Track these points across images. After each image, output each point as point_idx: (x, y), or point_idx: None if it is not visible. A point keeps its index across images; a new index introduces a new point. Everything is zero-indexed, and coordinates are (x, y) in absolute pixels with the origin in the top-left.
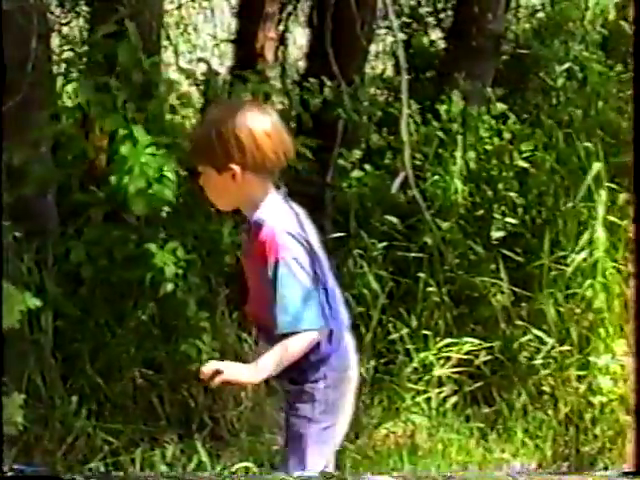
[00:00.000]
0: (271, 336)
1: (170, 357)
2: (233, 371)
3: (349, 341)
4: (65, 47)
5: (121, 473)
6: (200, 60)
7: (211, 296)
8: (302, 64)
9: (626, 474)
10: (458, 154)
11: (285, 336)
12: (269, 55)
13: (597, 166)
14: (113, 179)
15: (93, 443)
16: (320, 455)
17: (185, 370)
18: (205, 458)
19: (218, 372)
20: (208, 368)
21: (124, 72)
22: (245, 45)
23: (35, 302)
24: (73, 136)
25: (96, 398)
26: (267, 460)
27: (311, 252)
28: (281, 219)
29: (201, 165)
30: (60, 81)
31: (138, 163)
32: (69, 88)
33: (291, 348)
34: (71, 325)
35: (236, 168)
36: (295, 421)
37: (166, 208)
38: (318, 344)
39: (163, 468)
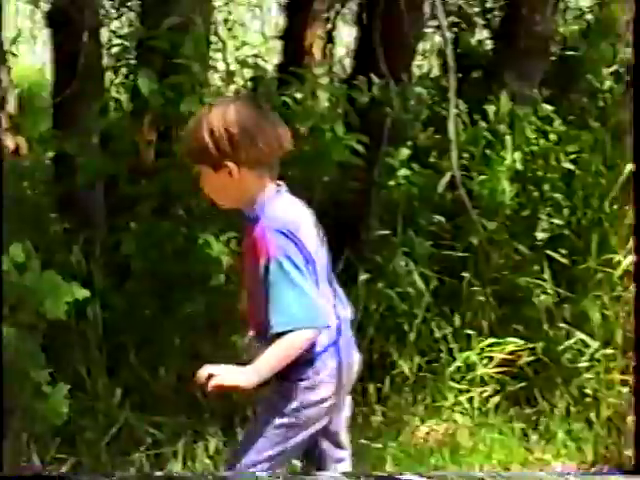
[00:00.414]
0: (266, 336)
1: (216, 350)
2: (228, 376)
3: (343, 344)
4: (115, 41)
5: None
6: (248, 57)
7: None
8: (348, 62)
9: (626, 473)
10: (505, 155)
11: (280, 336)
12: (317, 53)
13: None
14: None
15: (136, 435)
16: (267, 449)
17: (231, 363)
18: None
19: (212, 377)
20: (203, 373)
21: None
22: (293, 42)
23: (83, 293)
24: (123, 128)
25: (140, 390)
26: None
27: (305, 249)
28: (275, 215)
29: (197, 165)
30: (110, 74)
31: None
32: (118, 81)
33: (287, 348)
34: (118, 317)
35: (231, 165)
36: (261, 410)
37: None
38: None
39: (206, 461)
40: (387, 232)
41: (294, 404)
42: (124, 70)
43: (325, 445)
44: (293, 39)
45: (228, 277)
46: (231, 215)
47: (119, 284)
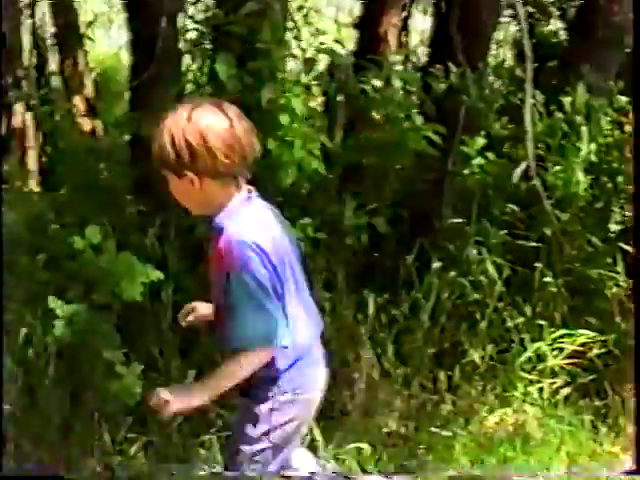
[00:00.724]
0: (228, 346)
1: None
2: (180, 402)
3: (309, 361)
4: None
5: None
6: (323, 44)
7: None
8: (422, 50)
9: (627, 473)
10: (581, 146)
11: (237, 351)
12: (392, 41)
13: None
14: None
15: (207, 416)
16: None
17: None
18: (318, 437)
19: (167, 403)
20: (157, 399)
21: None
22: (368, 30)
23: (157, 275)
24: None
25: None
26: (379, 442)
27: (270, 263)
28: (241, 227)
29: (162, 170)
30: (187, 59)
31: (298, 134)
32: (194, 66)
33: (240, 365)
34: (190, 299)
35: (191, 174)
36: (232, 440)
37: (306, 185)
38: (272, 362)
39: None
40: (461, 221)
41: (263, 428)
42: (201, 55)
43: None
44: (368, 27)
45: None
46: (307, 201)
47: (192, 267)
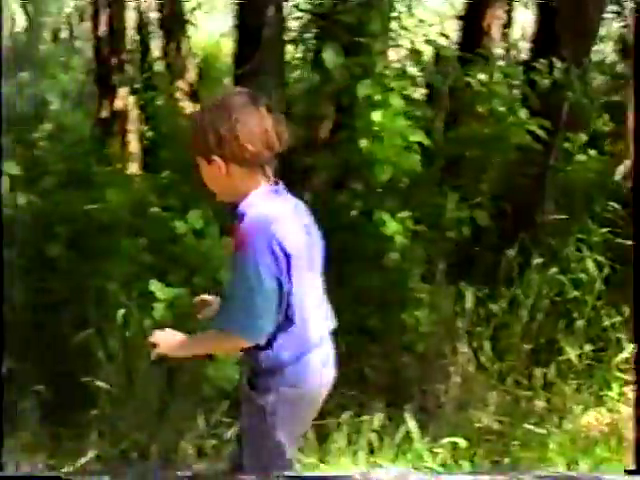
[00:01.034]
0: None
1: (385, 325)
2: (162, 346)
3: (316, 357)
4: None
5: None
6: (426, 35)
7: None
8: (524, 45)
9: (627, 472)
10: None
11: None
12: (495, 34)
13: None
14: (363, 143)
15: None
16: (257, 461)
17: (399, 339)
18: (414, 429)
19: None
20: (149, 340)
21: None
22: (472, 22)
23: None
24: (305, 100)
25: None
26: (473, 437)
27: (279, 253)
28: (259, 214)
29: (194, 155)
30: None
31: (393, 131)
32: (298, 55)
33: (218, 343)
34: None
35: (218, 160)
36: (243, 425)
37: (405, 180)
38: (276, 354)
39: (371, 435)
40: (562, 217)
41: (268, 419)
42: (306, 44)
43: None
44: (472, 19)
45: (403, 256)
46: (408, 193)
47: None
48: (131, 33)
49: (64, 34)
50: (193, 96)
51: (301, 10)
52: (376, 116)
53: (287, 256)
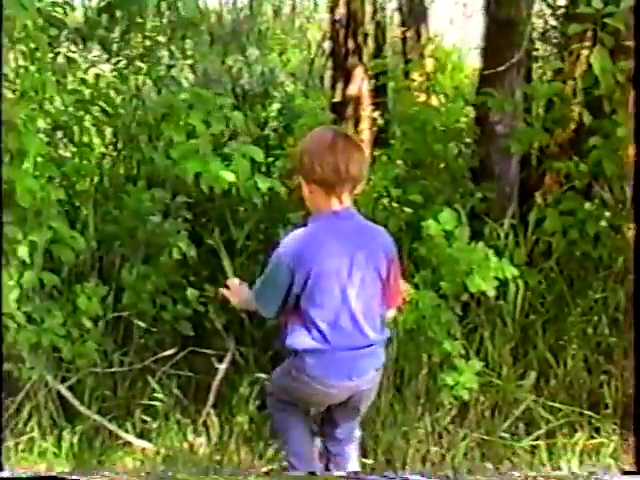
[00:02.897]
0: None
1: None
2: (232, 298)
3: (333, 359)
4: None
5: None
6: None
7: None
8: None
9: (626, 473)
10: None
11: None
12: None
13: None
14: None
15: (531, 416)
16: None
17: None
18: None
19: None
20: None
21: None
22: None
23: (512, 272)
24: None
25: (545, 373)
26: None
27: (296, 265)
28: (302, 232)
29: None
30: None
31: None
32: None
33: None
34: (532, 297)
35: (300, 179)
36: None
37: None
38: (288, 338)
39: (607, 461)
40: None
41: (283, 373)
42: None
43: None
44: None
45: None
46: None
47: (537, 263)
48: (368, 17)
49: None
50: (430, 86)
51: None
52: None
53: (305, 267)
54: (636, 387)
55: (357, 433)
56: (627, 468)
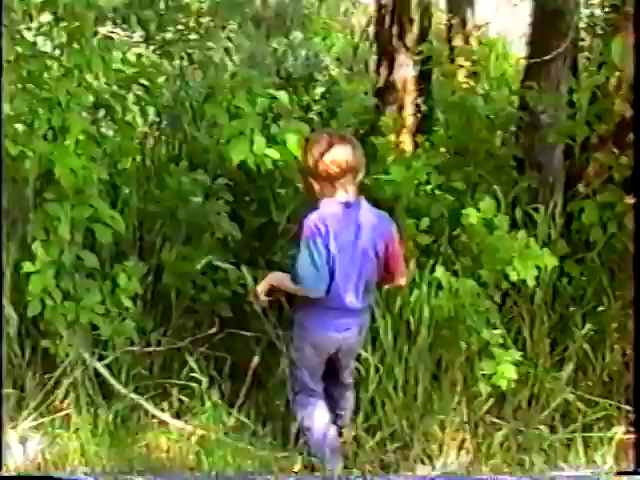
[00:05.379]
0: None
1: None
2: (274, 281)
3: (343, 322)
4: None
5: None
6: None
7: None
8: None
9: (625, 473)
10: None
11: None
12: None
13: None
14: None
15: (567, 409)
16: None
17: None
18: None
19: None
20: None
21: None
22: None
23: (553, 262)
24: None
25: (579, 365)
26: None
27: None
28: (319, 214)
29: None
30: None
31: None
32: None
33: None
34: (573, 287)
35: (309, 178)
36: None
37: None
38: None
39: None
40: None
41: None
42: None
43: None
44: None
45: None
46: None
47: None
48: (415, 3)
49: None
50: (474, 73)
51: None
52: None
53: (322, 237)
54: (636, 388)
55: (350, 379)
56: None
